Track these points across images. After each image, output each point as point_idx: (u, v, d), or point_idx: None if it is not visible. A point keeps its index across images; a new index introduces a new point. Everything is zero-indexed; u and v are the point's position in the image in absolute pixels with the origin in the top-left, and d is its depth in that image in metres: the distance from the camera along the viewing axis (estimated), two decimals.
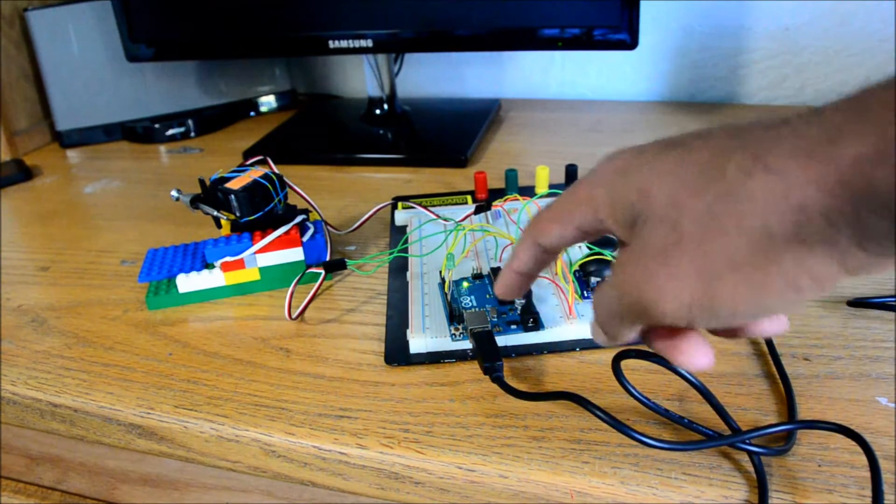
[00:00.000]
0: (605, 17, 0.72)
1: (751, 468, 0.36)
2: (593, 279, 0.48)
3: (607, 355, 0.44)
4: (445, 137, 0.83)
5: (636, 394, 0.37)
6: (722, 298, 0.27)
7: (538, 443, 0.39)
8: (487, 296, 0.49)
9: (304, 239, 0.55)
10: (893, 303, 0.48)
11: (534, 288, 0.48)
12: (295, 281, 0.52)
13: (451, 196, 0.66)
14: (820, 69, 0.87)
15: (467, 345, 0.45)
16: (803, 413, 0.40)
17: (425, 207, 0.62)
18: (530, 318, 0.45)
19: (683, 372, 0.38)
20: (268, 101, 1.05)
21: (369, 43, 0.79)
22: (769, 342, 0.45)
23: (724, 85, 0.91)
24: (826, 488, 0.35)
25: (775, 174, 0.26)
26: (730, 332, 0.33)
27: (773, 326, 0.33)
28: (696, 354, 0.31)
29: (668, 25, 0.89)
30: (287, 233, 0.54)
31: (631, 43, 0.73)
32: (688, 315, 0.29)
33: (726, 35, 0.88)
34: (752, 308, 0.28)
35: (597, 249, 0.50)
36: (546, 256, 0.36)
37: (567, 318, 0.46)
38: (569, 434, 0.39)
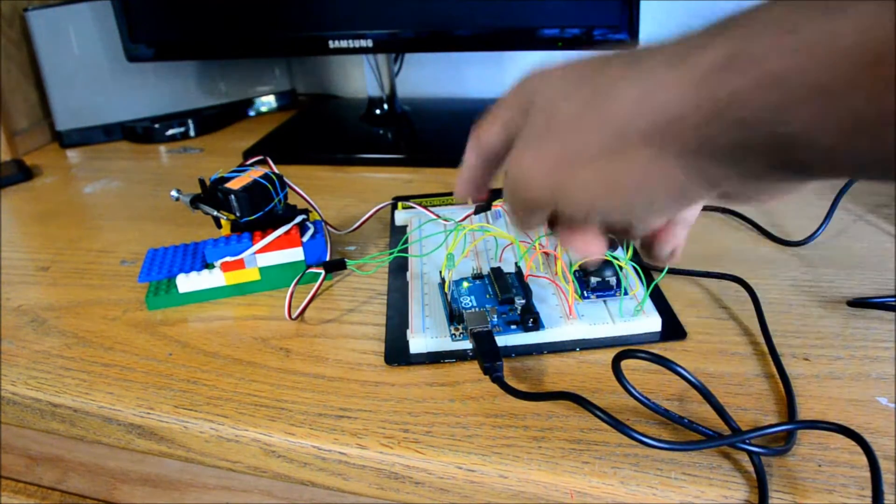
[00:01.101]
0: (605, 17, 0.72)
1: (751, 468, 0.36)
2: (593, 279, 0.48)
3: (608, 355, 0.44)
4: (445, 137, 0.83)
5: (636, 394, 0.37)
6: (576, 186, 0.30)
7: (538, 443, 0.39)
8: (487, 296, 0.49)
9: (304, 239, 0.55)
10: (893, 303, 0.48)
11: (534, 288, 0.48)
12: (295, 281, 0.52)
13: (451, 196, 0.66)
14: None
15: (467, 345, 0.45)
16: (803, 413, 0.40)
17: (425, 207, 0.62)
18: (530, 318, 0.45)
19: (683, 372, 0.38)
20: (268, 101, 1.05)
21: (369, 43, 0.79)
22: (769, 342, 0.45)
23: None
24: (826, 488, 0.35)
25: (643, 78, 0.28)
26: (645, 245, 0.38)
27: (664, 246, 0.37)
28: (589, 245, 0.34)
29: (667, 25, 0.89)
30: (287, 233, 0.54)
31: (631, 43, 0.73)
32: (550, 197, 0.32)
33: None
34: (608, 201, 0.30)
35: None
36: (490, 158, 0.38)
37: (567, 318, 0.46)
38: (569, 434, 0.39)
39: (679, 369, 0.37)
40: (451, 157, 0.81)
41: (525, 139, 0.33)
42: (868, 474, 0.35)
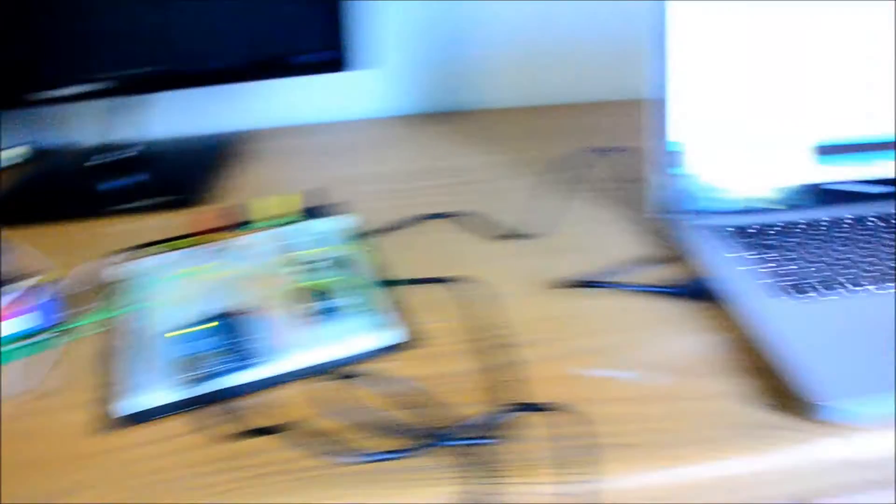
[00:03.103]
0: (317, 41, 0.73)
1: (477, 461, 0.38)
2: (324, 303, 0.49)
3: (324, 383, 0.45)
4: (187, 178, 0.81)
5: (352, 413, 0.38)
6: None
7: (263, 479, 0.38)
8: (211, 341, 0.48)
9: (31, 305, 0.51)
10: (596, 280, 0.53)
11: (263, 322, 0.48)
12: (19, 349, 0.48)
13: (185, 239, 0.64)
14: (556, 69, 0.95)
15: (192, 394, 0.44)
16: (523, 397, 0.43)
17: (157, 254, 0.60)
18: (250, 357, 0.45)
19: (406, 383, 0.39)
20: (7, 157, 0.96)
21: (100, 86, 0.75)
22: (495, 335, 0.47)
23: (472, 92, 0.96)
24: (555, 465, 0.38)
25: None
26: None
27: None
28: None
29: (410, 39, 0.93)
30: (14, 300, 0.50)
31: (349, 64, 0.74)
32: None
33: (468, 43, 0.93)
34: None
35: (312, 281, 0.51)
36: None
37: (285, 349, 0.46)
38: (291, 465, 0.39)
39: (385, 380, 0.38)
40: (191, 197, 0.79)
41: None
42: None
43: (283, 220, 0.63)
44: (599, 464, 0.38)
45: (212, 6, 0.72)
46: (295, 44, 0.74)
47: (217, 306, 0.51)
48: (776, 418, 0.41)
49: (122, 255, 0.62)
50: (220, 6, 0.72)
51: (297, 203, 0.64)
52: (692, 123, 0.59)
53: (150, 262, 0.59)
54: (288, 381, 0.46)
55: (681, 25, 0.58)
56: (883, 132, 0.60)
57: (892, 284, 0.49)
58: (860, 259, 0.52)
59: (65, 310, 0.55)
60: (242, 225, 0.63)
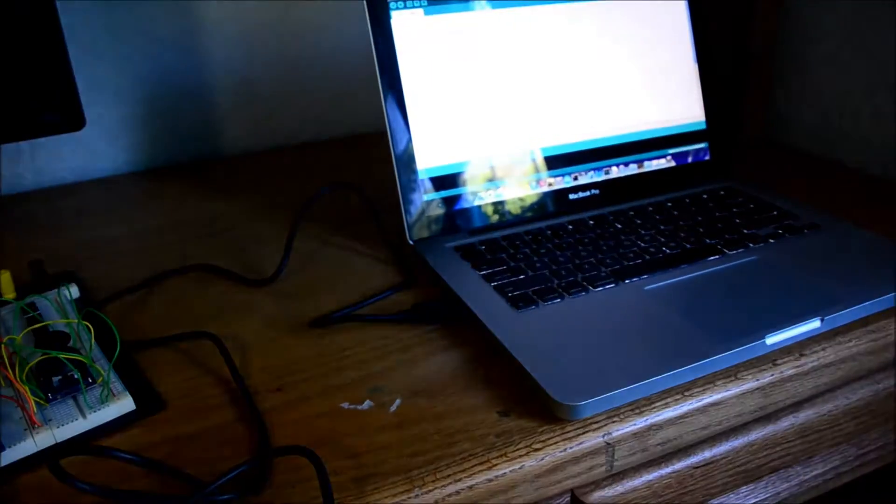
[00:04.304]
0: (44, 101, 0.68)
1: None
2: (55, 378, 0.45)
3: (71, 460, 0.41)
4: None
5: (87, 488, 0.35)
6: None
7: None
8: None
9: None
10: (350, 313, 0.54)
11: None
12: None
13: None
14: (285, 111, 0.96)
15: None
16: (282, 441, 0.42)
17: None
18: None
19: (124, 456, 0.37)
20: None
21: None
22: (241, 385, 0.46)
23: (204, 141, 0.94)
24: None
25: None
26: None
27: None
28: None
29: (133, 94, 0.88)
30: None
31: (74, 122, 0.69)
32: None
33: (193, 94, 0.91)
34: None
35: (46, 352, 0.46)
36: None
37: (32, 428, 0.42)
38: None
39: (119, 454, 0.37)
40: None
41: None
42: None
43: (12, 298, 0.57)
44: (368, 495, 0.38)
45: None
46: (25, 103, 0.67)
47: None
48: (526, 421, 0.44)
49: None
50: None
51: (8, 280, 0.58)
52: (432, 146, 0.62)
53: None
54: (36, 464, 0.41)
55: (408, 53, 0.61)
56: (595, 137, 0.68)
57: (611, 283, 0.55)
58: (581, 262, 0.58)
59: None
60: None
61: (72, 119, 0.68)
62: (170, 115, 0.91)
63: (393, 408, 0.45)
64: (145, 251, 0.67)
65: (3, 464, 0.41)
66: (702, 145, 0.74)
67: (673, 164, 0.72)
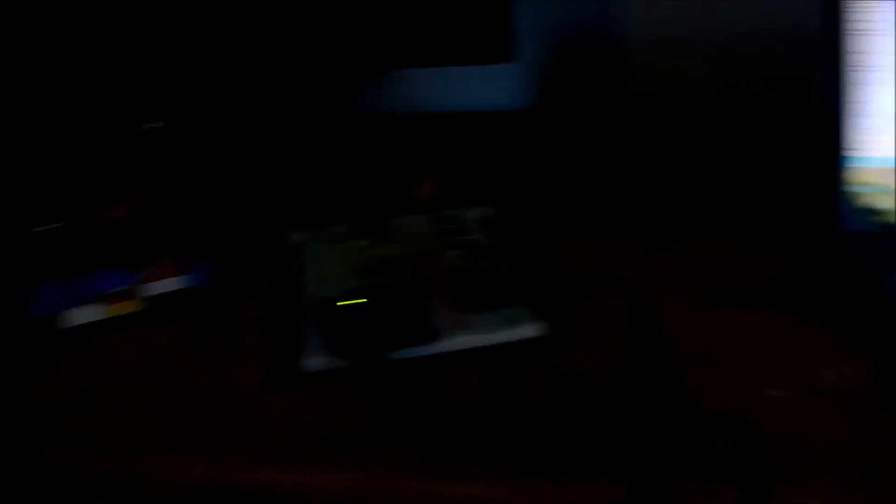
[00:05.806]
0: None
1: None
2: (472, 289, 0.49)
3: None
4: None
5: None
6: None
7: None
8: (376, 315, 0.48)
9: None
10: None
11: (417, 301, 0.48)
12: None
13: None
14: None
15: (358, 365, 0.45)
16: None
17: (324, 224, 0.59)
18: (415, 334, 0.46)
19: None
20: None
21: None
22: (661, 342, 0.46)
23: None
24: None
25: None
26: None
27: None
28: None
29: (548, 37, 0.91)
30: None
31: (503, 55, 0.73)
32: None
33: (608, 45, 0.91)
34: None
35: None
36: None
37: (447, 330, 0.47)
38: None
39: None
40: None
41: None
42: None
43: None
44: None
45: None
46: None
47: (383, 282, 0.52)
48: None
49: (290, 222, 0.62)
50: None
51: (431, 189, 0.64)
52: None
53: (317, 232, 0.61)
54: (452, 362, 0.45)
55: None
56: None
57: None
58: None
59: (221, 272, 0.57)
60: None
61: (501, 52, 0.72)
62: (580, 63, 0.92)
63: None
64: None
65: (438, 352, 0.46)
66: None
67: None
